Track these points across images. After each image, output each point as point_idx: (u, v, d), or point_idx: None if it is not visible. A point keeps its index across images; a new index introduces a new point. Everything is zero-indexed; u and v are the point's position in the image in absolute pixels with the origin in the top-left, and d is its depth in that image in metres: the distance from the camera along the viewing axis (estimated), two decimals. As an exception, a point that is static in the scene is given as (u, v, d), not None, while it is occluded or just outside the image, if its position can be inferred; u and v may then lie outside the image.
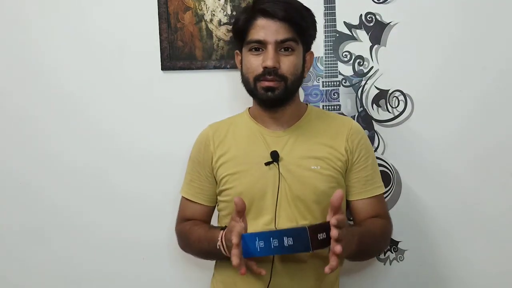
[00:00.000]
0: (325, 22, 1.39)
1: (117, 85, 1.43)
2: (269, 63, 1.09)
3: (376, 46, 1.38)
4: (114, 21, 1.42)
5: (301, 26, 1.12)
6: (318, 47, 1.39)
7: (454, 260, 1.40)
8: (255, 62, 1.12)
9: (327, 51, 1.39)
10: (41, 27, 1.42)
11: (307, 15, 1.14)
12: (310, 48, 1.19)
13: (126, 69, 1.42)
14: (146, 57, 1.41)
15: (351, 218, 1.22)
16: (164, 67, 1.41)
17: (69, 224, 1.45)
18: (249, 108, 1.24)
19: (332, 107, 1.40)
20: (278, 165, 1.13)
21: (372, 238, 1.12)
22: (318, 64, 1.39)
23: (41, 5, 1.41)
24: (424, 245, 1.40)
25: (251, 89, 1.15)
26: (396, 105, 1.39)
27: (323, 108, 1.40)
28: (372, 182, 1.18)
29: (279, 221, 1.11)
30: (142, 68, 1.42)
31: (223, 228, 1.08)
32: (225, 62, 1.40)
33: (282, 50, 1.11)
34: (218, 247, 1.06)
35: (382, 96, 1.39)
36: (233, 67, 1.38)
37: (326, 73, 1.40)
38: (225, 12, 1.39)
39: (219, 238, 1.06)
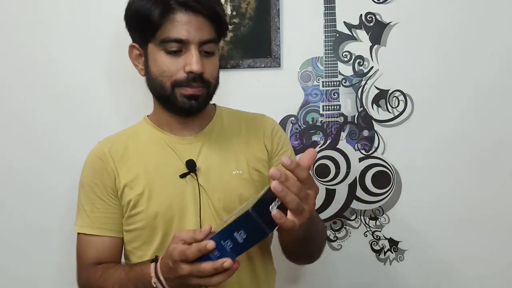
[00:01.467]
0: (325, 22, 1.38)
1: (117, 85, 1.43)
2: (196, 67, 0.93)
3: (376, 46, 1.38)
4: (114, 21, 1.40)
5: (221, 22, 0.99)
6: (318, 47, 1.39)
7: (454, 260, 1.40)
8: (174, 65, 0.94)
9: (327, 51, 1.39)
10: (41, 26, 1.41)
11: (223, 10, 1.00)
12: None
13: (126, 69, 1.41)
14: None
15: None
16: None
17: (70, 223, 1.45)
18: (149, 115, 1.09)
19: (332, 107, 1.40)
20: (196, 175, 0.97)
21: (319, 223, 0.99)
22: (318, 64, 1.39)
23: (42, 4, 1.41)
24: (424, 245, 1.40)
25: (165, 95, 0.97)
26: (396, 105, 1.39)
27: (323, 108, 1.40)
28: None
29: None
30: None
31: (154, 260, 0.86)
32: (225, 62, 1.40)
33: (203, 52, 0.96)
34: (153, 284, 0.83)
35: (382, 96, 1.39)
36: (233, 67, 1.38)
37: (326, 73, 1.40)
38: (225, 12, 1.39)
39: (152, 274, 0.83)
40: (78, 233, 1.03)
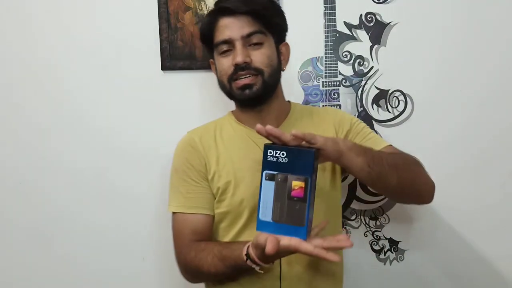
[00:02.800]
0: (325, 22, 1.39)
1: (117, 85, 1.43)
2: (239, 59, 1.05)
3: (376, 46, 1.38)
4: (114, 21, 1.42)
5: (265, 16, 1.08)
6: (318, 47, 1.39)
7: (454, 260, 1.40)
8: (226, 63, 1.08)
9: (327, 51, 1.39)
10: (40, 27, 1.42)
11: (270, 5, 1.11)
12: (284, 39, 1.16)
13: (126, 69, 1.42)
14: (146, 57, 1.40)
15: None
16: (164, 67, 1.40)
17: (69, 223, 1.45)
18: (232, 111, 1.20)
19: (332, 107, 1.40)
20: None
21: (389, 158, 1.01)
22: (318, 64, 1.39)
23: (41, 5, 1.41)
24: (424, 245, 1.40)
25: (228, 91, 1.11)
26: (396, 105, 1.39)
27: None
28: (378, 142, 1.13)
29: None
30: (142, 68, 1.41)
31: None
32: (225, 62, 1.40)
33: (252, 45, 1.07)
34: (245, 257, 0.94)
35: (382, 96, 1.39)
36: (233, 67, 1.38)
37: (326, 73, 1.40)
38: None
39: (245, 252, 0.94)
40: (174, 213, 1.13)
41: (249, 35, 1.06)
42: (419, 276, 1.41)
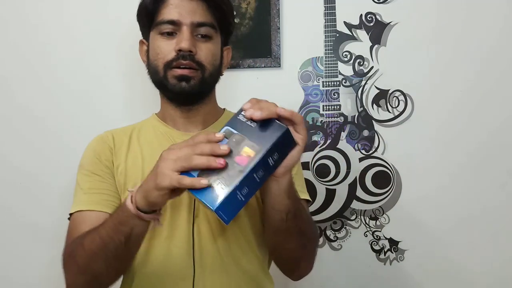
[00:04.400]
0: (325, 22, 1.39)
1: (116, 85, 1.43)
2: (184, 44, 0.92)
3: (376, 46, 1.38)
4: (114, 21, 1.42)
5: (222, 9, 0.98)
6: (318, 47, 1.39)
7: (454, 260, 1.40)
8: (167, 47, 0.95)
9: (327, 51, 1.39)
10: (40, 26, 1.41)
11: (227, 1, 1.01)
12: (228, 42, 1.06)
13: (126, 69, 1.42)
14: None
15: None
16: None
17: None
18: (156, 113, 1.09)
19: (332, 107, 1.40)
20: None
21: (303, 210, 0.89)
22: (318, 64, 1.39)
23: (41, 4, 1.41)
24: (424, 245, 1.40)
25: (159, 79, 0.96)
26: (396, 105, 1.39)
27: (323, 108, 1.39)
28: (298, 186, 0.97)
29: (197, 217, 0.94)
30: (142, 68, 1.41)
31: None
32: (225, 62, 1.40)
33: (199, 36, 0.96)
34: (125, 203, 0.77)
35: (382, 96, 1.39)
36: (233, 67, 1.38)
37: (326, 73, 1.40)
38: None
39: (129, 198, 0.77)
40: (71, 215, 0.95)
41: (200, 25, 0.95)
42: (419, 276, 1.41)
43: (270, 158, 0.72)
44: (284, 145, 0.73)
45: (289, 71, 1.39)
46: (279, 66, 1.39)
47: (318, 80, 1.40)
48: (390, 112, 1.39)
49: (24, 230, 1.44)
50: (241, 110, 0.75)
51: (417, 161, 1.39)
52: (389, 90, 1.39)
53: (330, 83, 1.40)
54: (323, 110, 1.40)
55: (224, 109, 1.11)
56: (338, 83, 1.40)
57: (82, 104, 1.43)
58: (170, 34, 0.95)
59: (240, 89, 1.39)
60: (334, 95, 1.40)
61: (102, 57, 1.42)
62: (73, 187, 1.00)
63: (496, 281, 1.39)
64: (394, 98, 1.39)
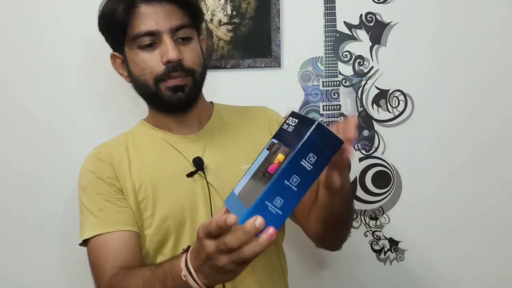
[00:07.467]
0: (325, 22, 1.38)
1: (116, 85, 1.42)
2: (172, 55, 0.89)
3: (376, 46, 1.38)
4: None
5: (192, 5, 0.96)
6: (318, 47, 1.39)
7: (454, 260, 1.40)
8: (151, 59, 0.91)
9: (327, 51, 1.39)
10: (40, 26, 1.41)
11: None
12: (200, 33, 1.03)
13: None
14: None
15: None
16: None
17: (69, 222, 1.45)
18: (144, 119, 1.05)
19: (332, 107, 1.40)
20: (205, 173, 0.93)
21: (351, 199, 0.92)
22: (318, 64, 1.39)
23: (40, 5, 1.41)
24: (424, 245, 1.40)
25: (151, 93, 0.93)
26: (396, 105, 1.39)
27: (323, 108, 1.40)
28: None
29: None
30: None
31: (185, 251, 0.80)
32: (225, 62, 1.40)
33: (180, 40, 0.93)
34: (183, 278, 0.68)
35: (382, 96, 1.39)
36: (233, 67, 1.38)
37: (326, 73, 1.40)
38: (225, 12, 1.39)
39: (183, 265, 0.69)
40: (88, 241, 0.91)
41: (178, 28, 0.92)
42: (419, 276, 1.41)
43: (304, 161, 0.62)
44: (321, 144, 0.62)
45: (289, 71, 1.39)
46: (279, 66, 1.39)
47: (318, 80, 1.40)
48: (390, 112, 1.39)
49: (24, 230, 1.44)
50: (289, 116, 0.70)
51: (417, 161, 1.39)
52: (389, 90, 1.39)
53: (330, 83, 1.40)
54: (323, 110, 1.40)
55: (211, 102, 1.09)
56: (338, 83, 1.40)
57: (82, 104, 1.42)
58: (150, 46, 0.92)
59: (240, 89, 1.39)
60: (334, 95, 1.40)
61: (102, 57, 1.41)
62: (73, 186, 0.99)
63: (496, 281, 1.39)
64: (394, 98, 1.39)
